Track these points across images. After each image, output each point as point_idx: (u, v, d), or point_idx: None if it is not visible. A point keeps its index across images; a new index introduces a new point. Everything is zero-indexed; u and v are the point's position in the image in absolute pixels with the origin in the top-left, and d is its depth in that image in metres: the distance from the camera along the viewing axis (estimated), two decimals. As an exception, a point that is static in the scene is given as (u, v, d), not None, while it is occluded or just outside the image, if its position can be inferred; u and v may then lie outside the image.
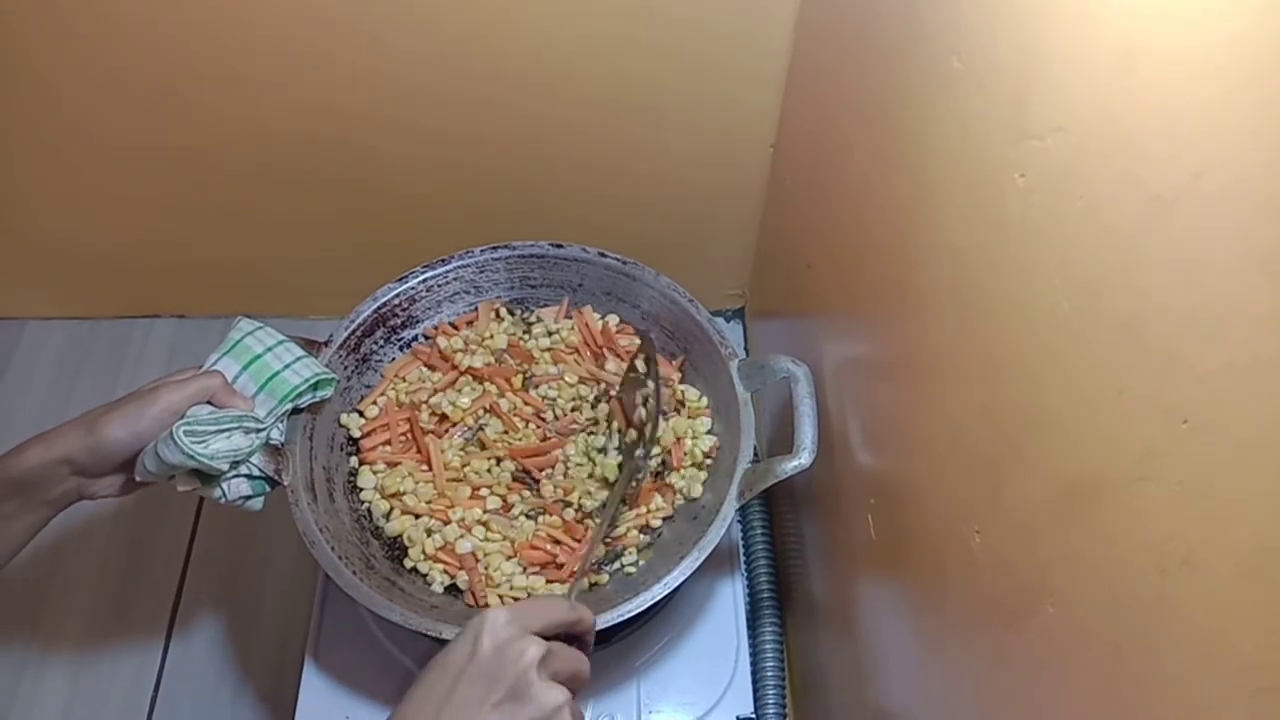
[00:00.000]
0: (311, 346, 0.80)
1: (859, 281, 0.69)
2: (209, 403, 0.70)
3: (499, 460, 0.83)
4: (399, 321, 0.87)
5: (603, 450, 0.83)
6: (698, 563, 0.71)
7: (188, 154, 0.96)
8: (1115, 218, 0.36)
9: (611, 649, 0.83)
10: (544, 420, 0.86)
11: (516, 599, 0.76)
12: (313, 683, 0.80)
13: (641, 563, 0.78)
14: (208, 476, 0.70)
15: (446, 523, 0.79)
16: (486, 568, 0.77)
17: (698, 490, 0.80)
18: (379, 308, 0.85)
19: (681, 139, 0.95)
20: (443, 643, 0.60)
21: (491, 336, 0.88)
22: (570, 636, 0.60)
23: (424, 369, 0.88)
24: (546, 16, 0.82)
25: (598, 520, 0.78)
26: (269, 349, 0.75)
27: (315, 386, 0.77)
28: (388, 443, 0.83)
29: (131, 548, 1.04)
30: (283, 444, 0.76)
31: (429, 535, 0.78)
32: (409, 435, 0.84)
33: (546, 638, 0.57)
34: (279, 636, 0.98)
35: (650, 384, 0.80)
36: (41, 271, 1.15)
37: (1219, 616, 0.31)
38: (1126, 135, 0.35)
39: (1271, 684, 0.28)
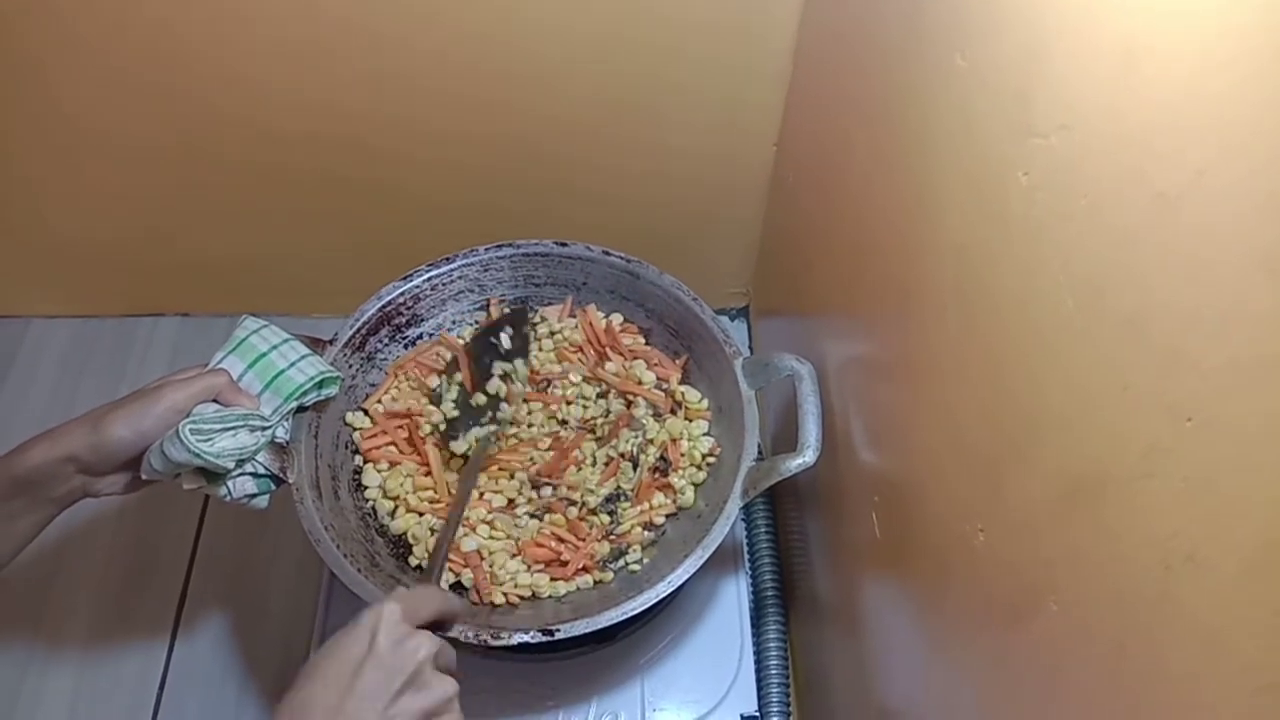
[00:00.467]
0: (316, 345, 0.81)
1: (862, 279, 0.69)
2: (214, 401, 0.70)
3: (512, 475, 0.83)
4: (404, 320, 0.87)
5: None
6: (701, 561, 0.71)
7: (192, 152, 0.96)
8: (1119, 215, 0.36)
9: (616, 647, 0.84)
10: (564, 423, 0.86)
11: (522, 597, 0.76)
12: (317, 680, 0.80)
13: (646, 561, 0.78)
14: (213, 475, 0.70)
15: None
16: (491, 566, 0.77)
17: (689, 497, 0.80)
18: (383, 306, 0.85)
19: (685, 137, 0.95)
20: (447, 640, 0.61)
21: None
22: (437, 625, 0.62)
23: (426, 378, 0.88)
24: (550, 14, 0.82)
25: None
26: (274, 347, 0.75)
27: (320, 384, 0.77)
28: (392, 443, 0.84)
29: (136, 546, 1.04)
30: (288, 442, 0.76)
31: (433, 533, 0.78)
32: (410, 441, 0.84)
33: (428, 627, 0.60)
34: (284, 634, 0.98)
35: (516, 363, 0.83)
36: (46, 270, 1.15)
37: (1223, 613, 0.31)
38: (1130, 132, 0.35)
39: (1275, 681, 0.28)
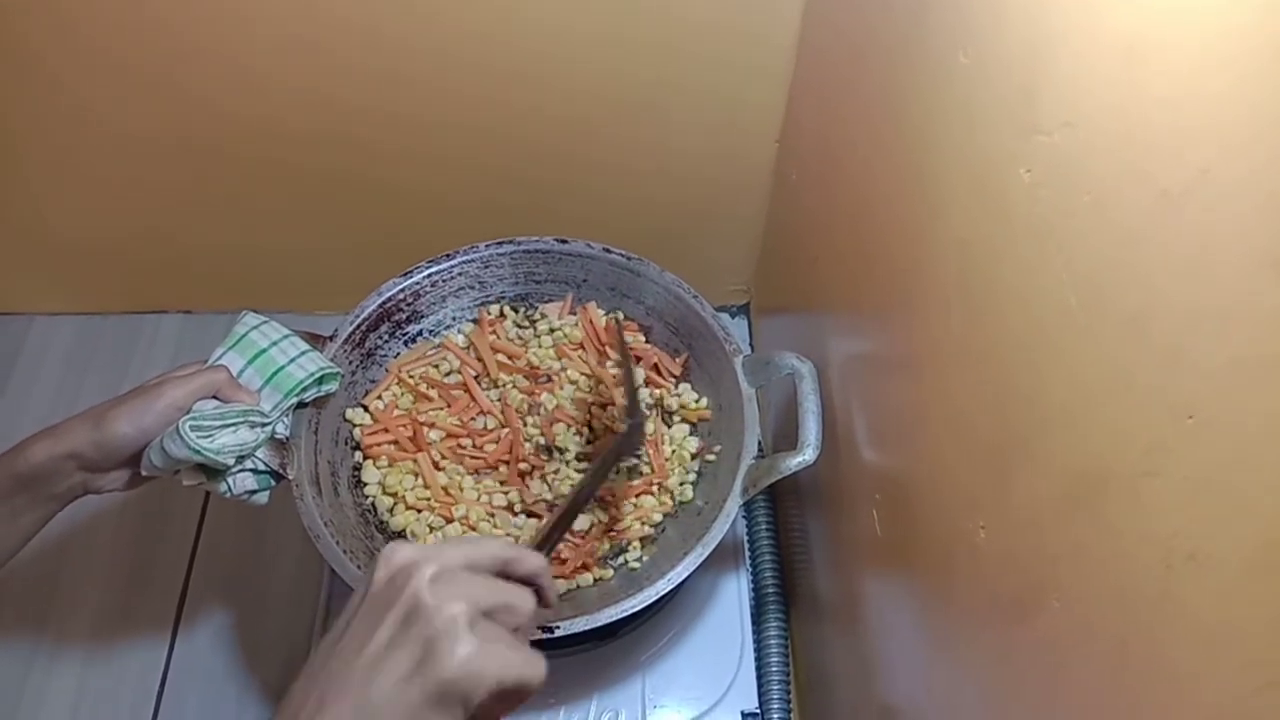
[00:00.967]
0: (316, 341, 0.81)
1: (864, 277, 0.69)
2: (214, 397, 0.71)
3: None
4: (404, 316, 0.87)
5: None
6: (701, 558, 0.71)
7: (193, 149, 0.96)
8: (1122, 213, 0.36)
9: (616, 644, 0.84)
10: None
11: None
12: (318, 677, 0.81)
13: (645, 558, 0.78)
14: (213, 471, 0.70)
15: (450, 520, 0.79)
16: (491, 563, 0.77)
17: (689, 493, 0.80)
18: (384, 302, 0.85)
19: (686, 134, 0.94)
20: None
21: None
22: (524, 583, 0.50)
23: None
24: (551, 12, 0.82)
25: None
26: (274, 343, 0.75)
27: (320, 381, 0.77)
28: (394, 442, 0.84)
29: (137, 542, 1.04)
30: (288, 438, 0.76)
31: (432, 531, 0.78)
32: (413, 440, 0.84)
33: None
34: (285, 631, 0.99)
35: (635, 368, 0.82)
36: (49, 268, 1.15)
37: (1225, 611, 0.31)
38: (1134, 130, 0.35)
39: (1276, 679, 0.28)
